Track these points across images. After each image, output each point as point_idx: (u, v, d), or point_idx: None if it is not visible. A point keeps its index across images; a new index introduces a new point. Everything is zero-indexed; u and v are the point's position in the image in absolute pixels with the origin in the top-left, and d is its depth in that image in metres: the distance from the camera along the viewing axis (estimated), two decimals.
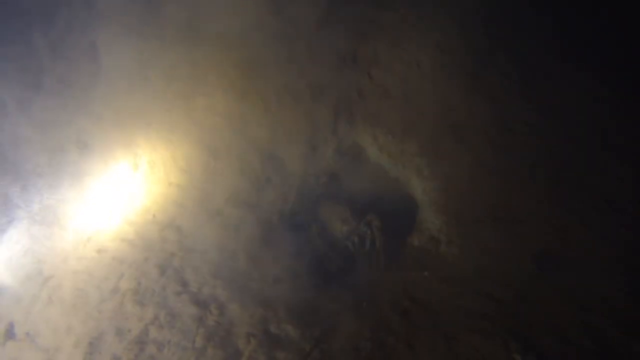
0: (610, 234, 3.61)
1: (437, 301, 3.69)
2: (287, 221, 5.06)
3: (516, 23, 4.98)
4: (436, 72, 5.05)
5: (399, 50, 5.33)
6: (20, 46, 5.22)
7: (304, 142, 5.41)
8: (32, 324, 4.16)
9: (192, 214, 4.92)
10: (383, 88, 5.30)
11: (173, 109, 5.50)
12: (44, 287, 4.47)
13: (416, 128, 4.94)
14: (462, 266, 3.92)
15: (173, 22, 5.47)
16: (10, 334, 4.13)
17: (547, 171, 4.13)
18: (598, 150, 4.11)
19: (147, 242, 4.69)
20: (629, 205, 3.73)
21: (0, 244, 4.81)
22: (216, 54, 5.63)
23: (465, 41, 5.00)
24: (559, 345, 3.10)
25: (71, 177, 5.19)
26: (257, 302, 3.98)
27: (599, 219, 3.72)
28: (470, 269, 3.85)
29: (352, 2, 5.63)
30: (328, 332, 3.64)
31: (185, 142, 5.44)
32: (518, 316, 3.35)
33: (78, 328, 4.01)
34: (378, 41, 5.46)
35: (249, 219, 4.83)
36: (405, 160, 4.90)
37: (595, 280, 3.40)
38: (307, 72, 5.52)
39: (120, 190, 5.21)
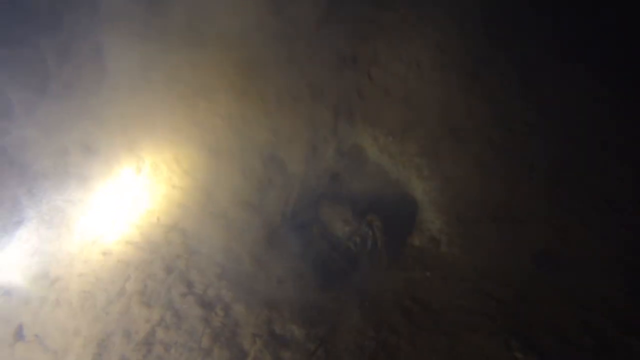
0: (610, 234, 3.64)
1: (438, 300, 3.74)
2: (289, 222, 5.12)
3: (516, 23, 4.97)
4: (436, 72, 5.06)
5: (399, 50, 5.33)
6: (28, 50, 5.25)
7: (304, 142, 5.44)
8: (41, 326, 4.23)
9: (196, 216, 4.97)
10: (383, 88, 5.32)
11: (175, 111, 5.53)
12: (52, 289, 4.53)
13: (416, 128, 4.97)
14: (462, 266, 3.97)
15: (175, 25, 5.47)
16: (19, 335, 4.21)
17: (547, 171, 4.16)
18: (598, 150, 4.14)
19: (152, 244, 4.75)
20: (629, 205, 3.76)
21: (10, 243, 4.87)
22: (216, 55, 5.64)
23: (465, 41, 5.00)
24: (560, 344, 3.15)
25: (76, 180, 5.24)
26: (261, 302, 4.04)
27: (599, 219, 3.76)
28: (470, 269, 3.90)
29: (352, 2, 5.62)
30: (332, 331, 3.70)
31: (187, 144, 5.47)
32: (519, 315, 3.40)
33: (86, 330, 4.09)
34: (378, 41, 5.46)
35: (252, 221, 4.88)
36: (406, 161, 4.93)
37: (595, 280, 3.44)
38: (307, 73, 5.54)
39: (124, 193, 5.26)
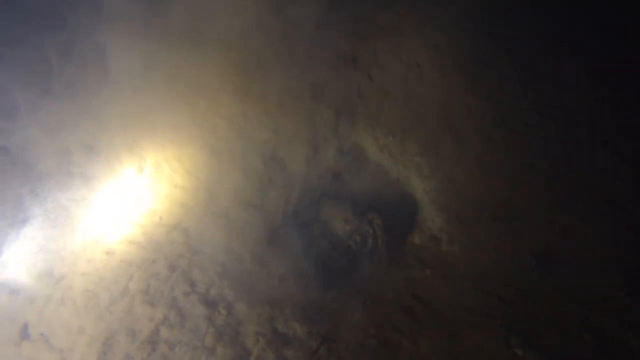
0: (610, 234, 3.67)
1: (438, 299, 3.78)
2: (291, 221, 5.15)
3: (516, 23, 4.99)
4: (436, 72, 5.07)
5: (399, 51, 5.35)
6: (30, 50, 5.28)
7: (305, 142, 5.46)
8: (46, 325, 4.27)
9: (198, 215, 5.00)
10: (383, 88, 5.34)
11: (176, 110, 5.55)
12: (56, 288, 4.57)
13: (416, 128, 4.98)
14: (463, 265, 4.00)
15: (176, 25, 5.49)
16: (25, 334, 4.25)
17: (547, 171, 4.18)
18: (598, 150, 4.16)
19: (154, 244, 4.78)
20: (629, 205, 3.78)
21: (17, 240, 4.91)
22: (217, 55, 5.65)
23: (465, 41, 5.02)
24: (560, 342, 3.19)
25: (79, 179, 5.28)
26: (263, 301, 4.08)
27: (599, 219, 3.78)
28: (471, 268, 3.93)
29: (352, 2, 5.63)
30: (334, 329, 3.74)
31: (189, 144, 5.49)
32: (519, 313, 3.44)
33: (90, 329, 4.13)
34: (378, 41, 5.47)
35: (254, 220, 4.91)
36: (406, 160, 4.96)
37: (595, 280, 3.47)
38: (308, 73, 5.55)
39: (127, 192, 5.29)
